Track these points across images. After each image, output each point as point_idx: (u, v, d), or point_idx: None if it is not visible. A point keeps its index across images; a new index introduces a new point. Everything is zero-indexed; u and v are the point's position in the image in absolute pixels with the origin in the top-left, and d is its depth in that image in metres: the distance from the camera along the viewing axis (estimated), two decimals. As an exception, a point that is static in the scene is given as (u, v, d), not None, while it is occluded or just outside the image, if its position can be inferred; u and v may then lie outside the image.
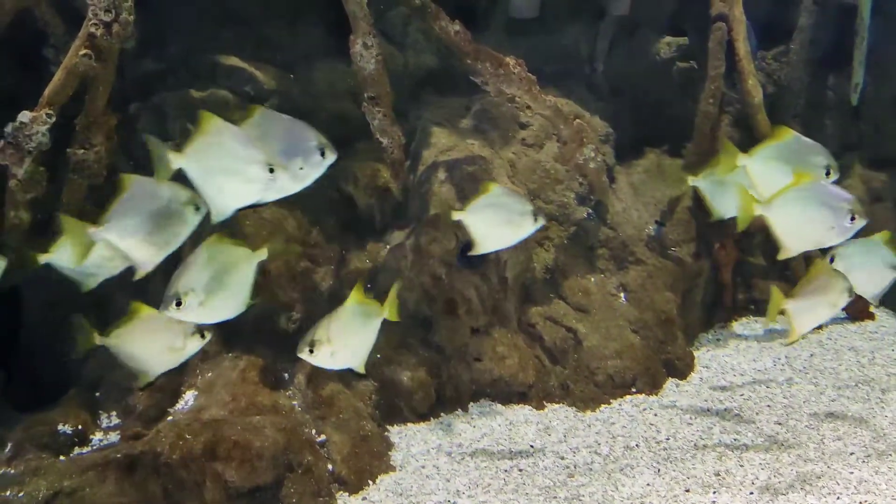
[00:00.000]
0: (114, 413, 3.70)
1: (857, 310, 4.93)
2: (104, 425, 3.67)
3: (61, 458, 3.33)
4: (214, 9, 4.42)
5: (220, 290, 2.93)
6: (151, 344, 3.13)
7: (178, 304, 2.87)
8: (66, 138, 3.58)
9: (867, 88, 4.92)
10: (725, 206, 3.84)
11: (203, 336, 3.15)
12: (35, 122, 3.35)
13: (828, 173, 3.29)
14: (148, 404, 3.56)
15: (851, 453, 3.45)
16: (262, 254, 3.08)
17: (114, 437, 3.56)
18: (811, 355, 4.48)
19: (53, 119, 3.39)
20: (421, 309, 3.93)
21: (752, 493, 3.19)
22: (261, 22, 4.45)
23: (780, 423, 3.72)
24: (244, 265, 3.03)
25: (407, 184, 4.18)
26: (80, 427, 3.56)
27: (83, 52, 3.35)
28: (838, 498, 3.13)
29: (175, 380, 3.63)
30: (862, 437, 3.58)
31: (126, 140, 3.94)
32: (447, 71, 4.53)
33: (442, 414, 3.89)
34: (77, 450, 3.49)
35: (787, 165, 3.27)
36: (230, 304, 2.99)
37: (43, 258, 3.22)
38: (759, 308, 5.00)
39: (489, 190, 3.46)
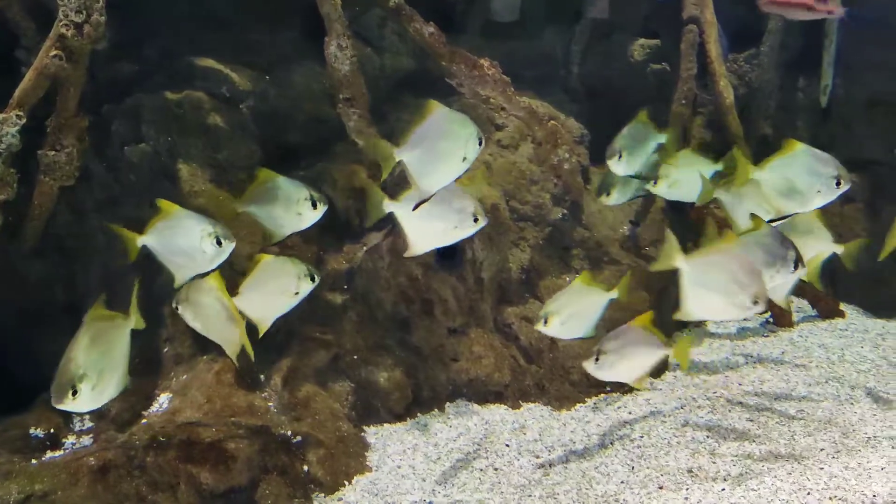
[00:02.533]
0: (87, 416, 3.68)
1: (827, 308, 5.01)
2: (77, 429, 3.64)
3: (33, 461, 3.31)
4: (191, 11, 4.41)
5: (108, 370, 2.75)
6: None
7: (75, 393, 2.65)
8: (37, 140, 3.56)
9: (837, 90, 5.00)
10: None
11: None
12: (5, 124, 3.33)
13: (838, 184, 3.32)
14: (121, 407, 3.54)
15: (822, 449, 3.50)
16: (132, 322, 2.93)
17: (87, 440, 3.55)
18: (782, 353, 4.53)
19: (24, 120, 3.37)
20: (398, 310, 3.94)
21: (723, 490, 3.22)
22: (238, 24, 4.45)
23: (751, 420, 3.77)
24: (122, 338, 2.86)
25: (384, 185, 4.18)
26: (52, 431, 3.53)
27: (54, 53, 3.33)
28: (808, 493, 3.17)
29: (149, 383, 3.62)
30: (832, 434, 3.63)
31: (99, 142, 3.93)
32: (425, 73, 4.55)
33: (419, 414, 3.90)
34: (49, 453, 3.46)
35: (798, 177, 3.32)
36: (116, 383, 2.80)
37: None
38: (732, 307, 5.06)
39: (760, 227, 3.28)
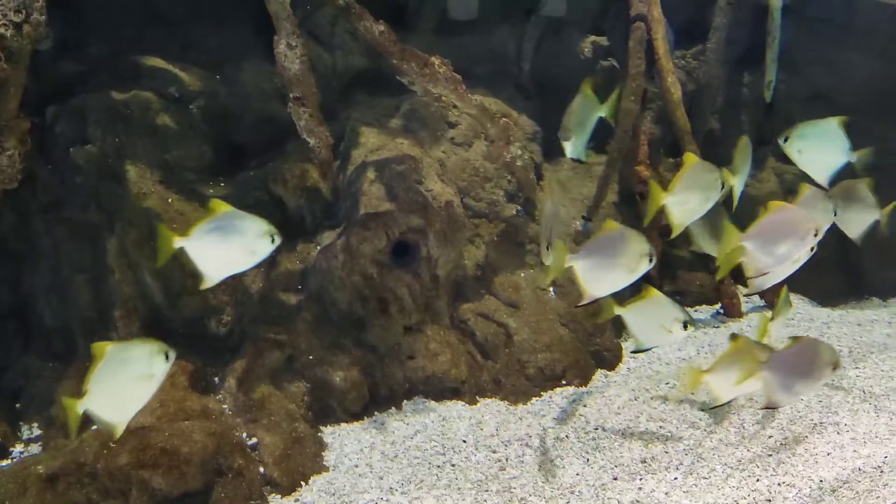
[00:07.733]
0: (35, 424, 3.61)
1: (773, 298, 5.12)
2: (25, 437, 3.57)
3: (-21, 471, 3.23)
4: (138, 9, 4.34)
5: None
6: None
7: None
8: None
9: (780, 86, 5.11)
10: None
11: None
12: (-57, 127, 3.24)
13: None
14: (71, 414, 3.47)
15: (770, 436, 3.59)
16: None
17: (36, 448, 3.47)
18: (732, 343, 4.63)
19: (-37, 123, 3.28)
20: (353, 308, 3.93)
21: (676, 479, 3.29)
22: (187, 23, 4.39)
23: (702, 410, 3.85)
24: None
25: (337, 184, 4.17)
26: (-1, 439, 3.46)
27: (-7, 53, 3.25)
28: (758, 480, 3.26)
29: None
30: (779, 420, 3.72)
31: (44, 144, 3.84)
32: (377, 71, 4.54)
33: (376, 413, 3.89)
34: (-3, 463, 3.39)
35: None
36: None
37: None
38: (683, 299, 5.16)
39: None
